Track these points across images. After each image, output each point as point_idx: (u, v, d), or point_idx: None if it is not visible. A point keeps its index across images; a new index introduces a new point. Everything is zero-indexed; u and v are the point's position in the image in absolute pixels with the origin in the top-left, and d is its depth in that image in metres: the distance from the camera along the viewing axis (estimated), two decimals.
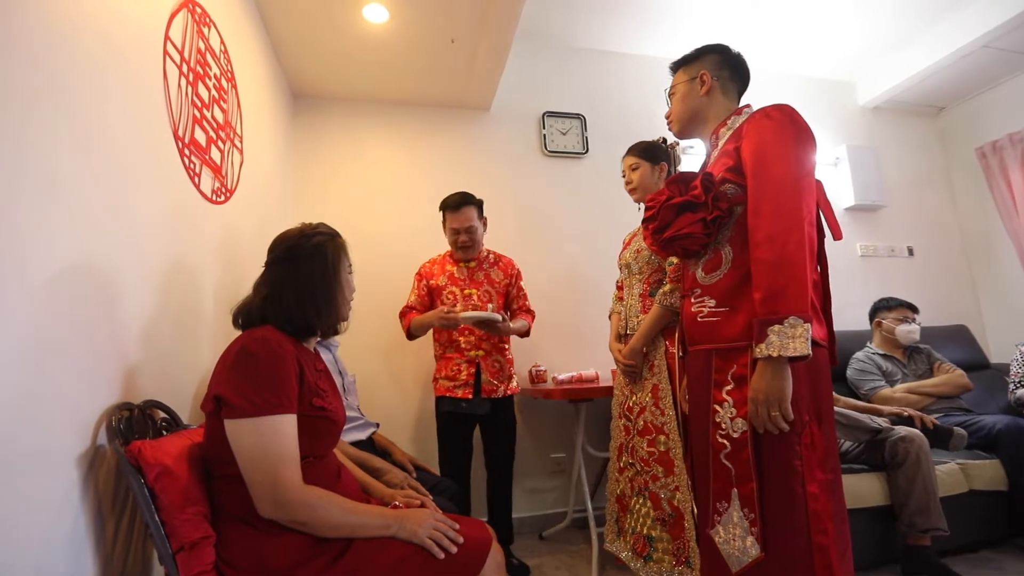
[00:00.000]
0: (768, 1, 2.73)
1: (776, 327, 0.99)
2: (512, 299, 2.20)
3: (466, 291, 2.12)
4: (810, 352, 0.98)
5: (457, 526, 0.97)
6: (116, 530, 0.94)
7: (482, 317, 1.96)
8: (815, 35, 3.05)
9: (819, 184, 1.20)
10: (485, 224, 2.18)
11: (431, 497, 1.26)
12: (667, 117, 1.38)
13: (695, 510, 1.47)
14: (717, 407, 1.12)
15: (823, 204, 1.19)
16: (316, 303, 1.04)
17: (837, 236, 1.20)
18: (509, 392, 2.08)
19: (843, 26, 2.97)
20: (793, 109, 1.16)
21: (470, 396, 2.01)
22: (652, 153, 1.79)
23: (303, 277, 1.03)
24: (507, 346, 2.16)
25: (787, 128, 1.11)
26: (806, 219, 1.04)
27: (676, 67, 1.37)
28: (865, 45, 3.15)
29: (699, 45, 1.34)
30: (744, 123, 1.18)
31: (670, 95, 1.37)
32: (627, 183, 1.83)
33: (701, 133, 1.32)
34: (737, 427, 1.08)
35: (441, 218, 2.16)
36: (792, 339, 0.97)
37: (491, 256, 2.22)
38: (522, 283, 2.24)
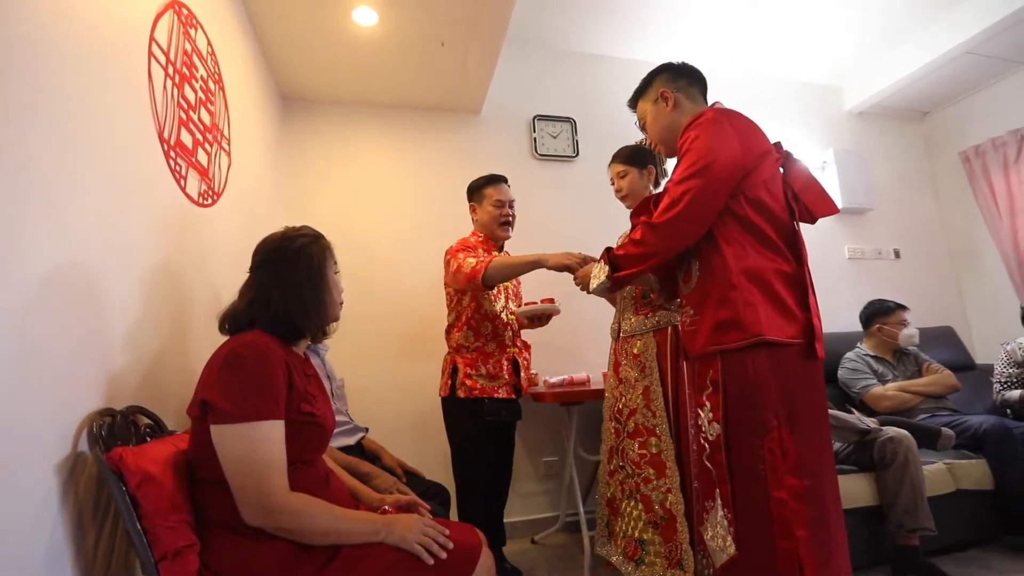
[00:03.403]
0: (757, 7, 2.77)
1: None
2: (521, 297, 2.20)
3: (505, 282, 1.99)
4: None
5: (447, 531, 0.97)
6: (98, 539, 0.92)
7: (543, 310, 1.89)
8: (802, 40, 3.09)
9: (798, 167, 1.22)
10: None
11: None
12: (650, 145, 1.42)
13: (687, 511, 1.48)
14: (699, 411, 1.16)
15: (801, 188, 1.20)
16: (303, 304, 1.03)
17: (811, 220, 1.23)
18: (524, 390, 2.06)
19: (830, 32, 3.01)
20: (713, 114, 1.17)
21: (512, 395, 1.93)
22: (639, 158, 1.79)
23: (288, 279, 1.03)
24: (528, 342, 2.15)
25: (704, 136, 1.14)
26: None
27: (634, 101, 1.42)
28: (851, 51, 3.20)
29: (653, 67, 1.40)
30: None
31: (642, 125, 1.41)
32: (617, 191, 1.81)
33: None
34: (713, 431, 1.11)
35: (471, 200, 2.05)
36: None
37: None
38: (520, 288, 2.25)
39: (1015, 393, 2.27)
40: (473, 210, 2.06)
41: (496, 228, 1.99)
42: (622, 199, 1.82)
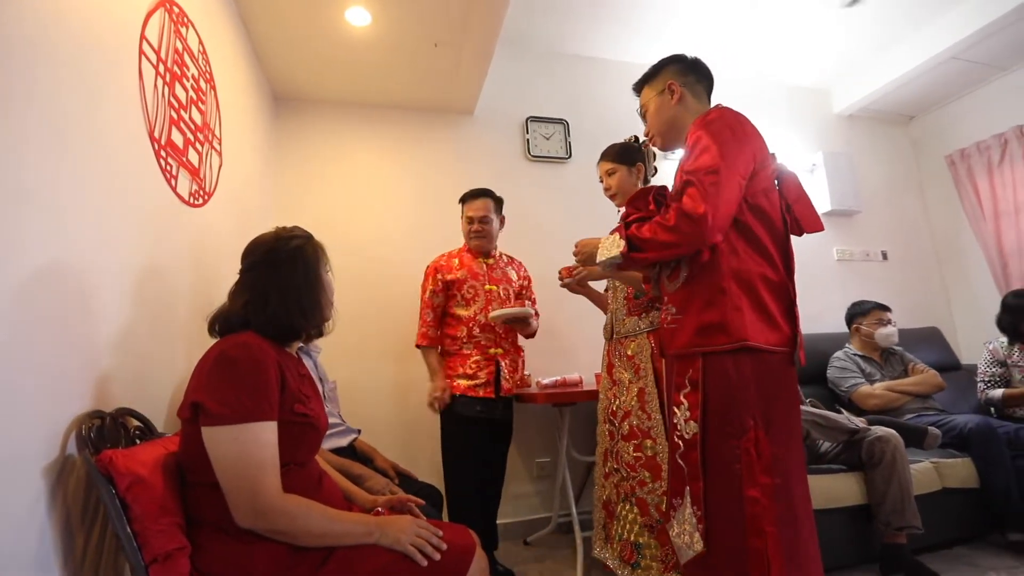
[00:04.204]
0: (747, 10, 2.79)
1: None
2: (523, 300, 2.22)
3: (487, 286, 2.07)
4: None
5: (440, 532, 0.96)
6: (86, 543, 0.91)
7: (515, 314, 1.96)
8: (792, 44, 3.12)
9: (792, 178, 1.22)
10: (502, 223, 2.20)
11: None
12: (647, 135, 1.40)
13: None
14: (675, 409, 1.17)
15: (794, 199, 1.21)
16: (301, 305, 1.03)
17: (799, 232, 1.23)
18: (517, 391, 2.08)
19: (819, 36, 3.05)
20: (726, 111, 1.17)
21: (492, 396, 1.95)
22: (627, 156, 1.80)
23: (285, 280, 1.02)
24: (522, 345, 2.17)
25: (721, 132, 1.13)
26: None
27: (640, 86, 1.39)
28: (840, 54, 3.24)
29: (660, 58, 1.36)
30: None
31: (643, 113, 1.39)
32: (606, 189, 1.82)
33: (683, 142, 1.34)
34: (690, 429, 1.12)
35: (461, 213, 2.19)
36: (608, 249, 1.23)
37: (505, 256, 2.25)
38: (532, 286, 2.28)
39: (998, 392, 2.31)
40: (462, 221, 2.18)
41: (468, 240, 2.14)
42: (611, 197, 1.83)
